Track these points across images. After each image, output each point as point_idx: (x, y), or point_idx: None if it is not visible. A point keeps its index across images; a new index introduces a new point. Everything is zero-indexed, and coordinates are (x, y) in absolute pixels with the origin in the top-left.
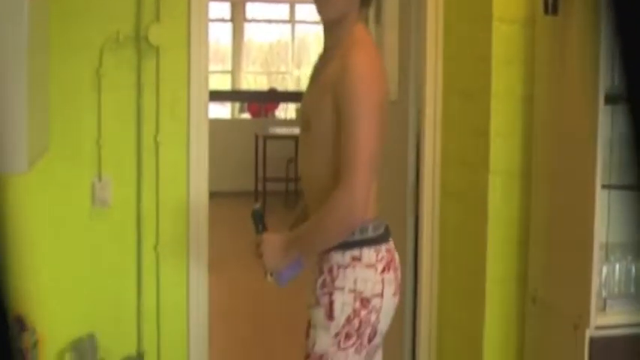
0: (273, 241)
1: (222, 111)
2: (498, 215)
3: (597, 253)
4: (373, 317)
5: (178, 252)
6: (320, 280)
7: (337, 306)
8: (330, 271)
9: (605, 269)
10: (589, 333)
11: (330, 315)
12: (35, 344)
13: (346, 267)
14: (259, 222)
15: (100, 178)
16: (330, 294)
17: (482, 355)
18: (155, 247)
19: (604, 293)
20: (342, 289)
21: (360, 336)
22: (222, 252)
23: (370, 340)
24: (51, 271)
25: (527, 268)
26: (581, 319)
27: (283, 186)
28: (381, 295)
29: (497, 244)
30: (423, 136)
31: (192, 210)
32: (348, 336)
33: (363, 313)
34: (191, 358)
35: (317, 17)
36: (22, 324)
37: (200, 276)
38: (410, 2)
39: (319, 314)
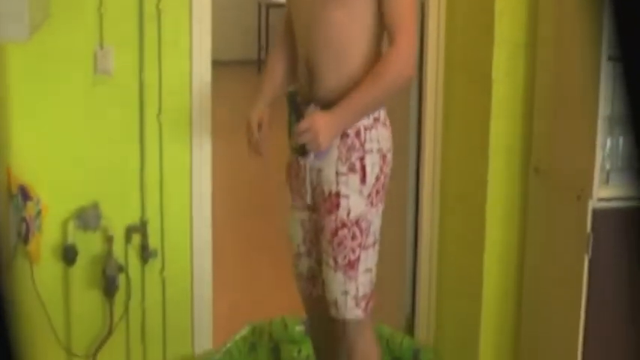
0: (324, 120)
1: None
2: (503, 86)
3: (602, 125)
4: (388, 169)
5: (181, 121)
6: (347, 144)
7: (369, 169)
8: (358, 134)
9: (609, 142)
10: (592, 204)
11: (363, 179)
12: (39, 213)
13: (371, 128)
14: (295, 106)
15: (101, 46)
16: (362, 158)
17: (484, 224)
18: (158, 116)
19: (607, 166)
20: (371, 151)
21: (383, 188)
22: (225, 120)
23: (385, 189)
24: (53, 141)
25: (531, 139)
26: (584, 190)
27: None
28: (391, 148)
29: (501, 115)
30: (427, 3)
31: (195, 78)
32: (377, 193)
33: (384, 168)
34: (194, 226)
35: None
36: (25, 194)
37: (203, 144)
38: None
39: (354, 181)
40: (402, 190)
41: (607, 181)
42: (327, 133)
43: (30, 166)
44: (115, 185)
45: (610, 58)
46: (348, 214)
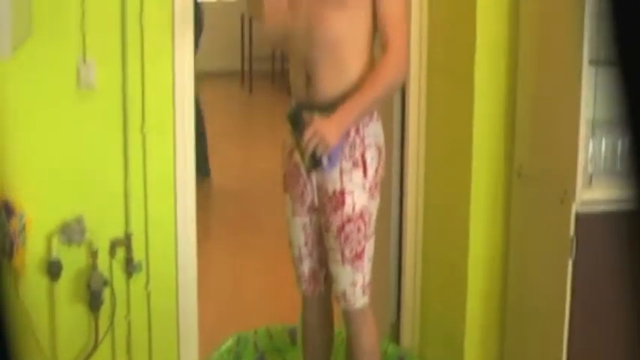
0: (326, 121)
1: None
2: (484, 91)
3: (584, 129)
4: (383, 162)
5: (164, 133)
6: (349, 142)
7: (369, 163)
8: (357, 131)
9: (591, 145)
10: (575, 208)
11: (365, 173)
12: (23, 228)
13: (367, 125)
14: (298, 121)
15: (84, 60)
16: (363, 154)
17: (468, 229)
18: (141, 129)
19: (590, 169)
20: (370, 145)
21: (379, 180)
22: (209, 131)
23: (381, 181)
24: (37, 155)
25: (514, 144)
26: (567, 194)
27: (270, 65)
28: (384, 141)
29: (484, 120)
30: (408, 6)
31: (177, 90)
32: (375, 185)
33: (380, 161)
34: (179, 239)
35: None
36: (9, 209)
37: (187, 156)
38: None
39: (357, 176)
40: (386, 198)
41: (590, 183)
42: (333, 132)
43: (13, 180)
44: (99, 199)
45: (591, 62)
46: (353, 208)
